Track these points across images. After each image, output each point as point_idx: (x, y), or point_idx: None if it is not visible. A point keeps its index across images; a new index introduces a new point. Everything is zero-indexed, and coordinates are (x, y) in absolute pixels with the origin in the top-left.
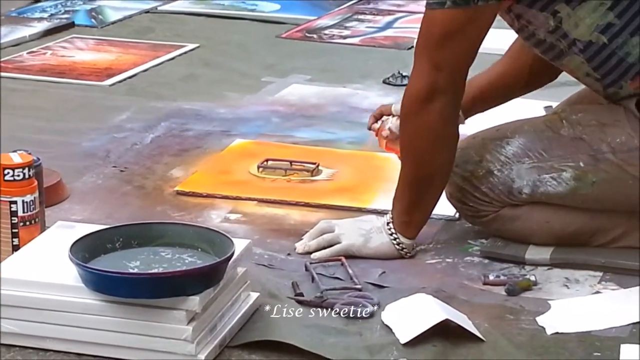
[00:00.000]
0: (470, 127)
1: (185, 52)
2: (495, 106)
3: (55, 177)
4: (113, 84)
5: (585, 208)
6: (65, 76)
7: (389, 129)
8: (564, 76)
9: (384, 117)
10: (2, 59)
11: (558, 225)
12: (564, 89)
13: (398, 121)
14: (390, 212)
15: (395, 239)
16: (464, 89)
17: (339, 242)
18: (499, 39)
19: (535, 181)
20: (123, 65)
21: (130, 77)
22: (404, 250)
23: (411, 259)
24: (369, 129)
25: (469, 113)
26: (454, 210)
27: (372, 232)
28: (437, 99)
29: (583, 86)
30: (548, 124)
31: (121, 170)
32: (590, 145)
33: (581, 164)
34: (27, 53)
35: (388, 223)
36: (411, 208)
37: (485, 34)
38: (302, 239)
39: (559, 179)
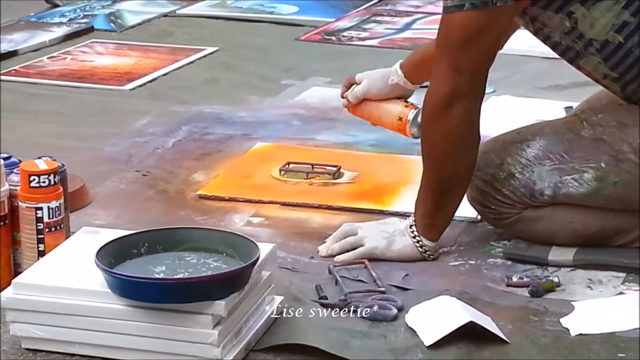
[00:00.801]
0: (492, 129)
1: (204, 56)
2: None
3: (79, 182)
4: (133, 89)
5: (607, 208)
6: (85, 81)
7: (346, 97)
8: (585, 77)
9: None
10: (23, 64)
11: (581, 226)
12: (585, 89)
13: (353, 91)
14: (412, 215)
15: (418, 241)
16: (485, 91)
17: (362, 245)
18: (517, 40)
19: (556, 183)
20: (143, 69)
21: (150, 82)
22: (427, 252)
23: (434, 261)
24: (342, 97)
25: (417, 81)
26: (476, 212)
27: (395, 235)
28: (459, 103)
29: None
30: (568, 126)
31: (143, 175)
32: (611, 146)
33: (602, 165)
34: (48, 58)
35: (411, 226)
36: (434, 211)
37: (503, 35)
38: (325, 242)
39: (580, 180)
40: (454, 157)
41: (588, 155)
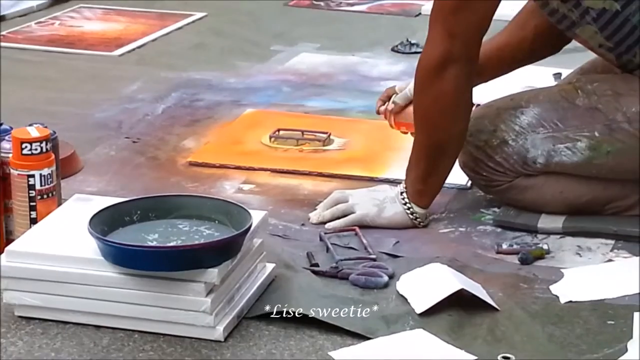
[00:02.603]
0: (483, 95)
1: (193, 21)
2: (498, 76)
3: (69, 149)
4: (122, 54)
5: (599, 178)
6: (74, 46)
7: (393, 101)
8: (574, 42)
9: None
10: (10, 30)
11: (572, 195)
12: (573, 55)
13: (401, 93)
14: (403, 182)
15: (409, 208)
16: (479, 57)
17: (353, 212)
18: (507, 6)
19: (550, 151)
20: (132, 35)
21: (139, 47)
22: (418, 219)
23: (424, 228)
24: (378, 112)
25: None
26: (466, 179)
27: (386, 202)
28: (452, 67)
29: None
30: (563, 94)
31: (134, 142)
32: (605, 115)
33: (596, 134)
34: (36, 23)
35: (402, 192)
36: (425, 176)
37: (499, 2)
38: (316, 209)
39: (573, 148)
40: (446, 122)
41: (582, 124)
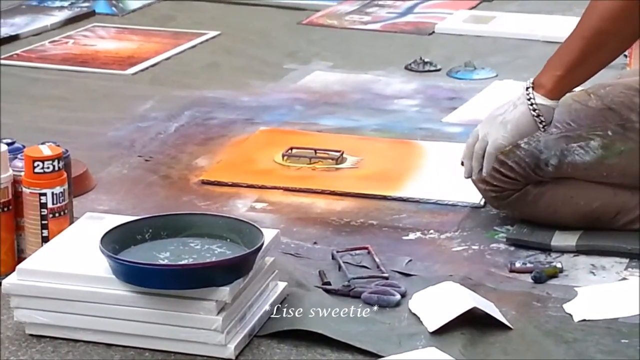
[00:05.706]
0: None
1: (206, 40)
2: None
3: (81, 167)
4: (136, 73)
5: (609, 183)
6: (87, 65)
7: None
8: None
9: None
10: (24, 49)
11: (582, 201)
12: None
13: None
14: (531, 79)
15: (532, 104)
16: None
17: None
18: (518, 24)
19: (563, 150)
20: (145, 53)
21: (152, 66)
22: (540, 116)
23: (437, 247)
24: None
25: None
26: (480, 197)
27: (507, 112)
28: None
29: (613, 72)
30: (575, 98)
31: (146, 160)
32: (619, 115)
33: (609, 133)
34: (49, 42)
35: (527, 88)
36: (575, 63)
37: None
38: (462, 164)
39: (586, 147)
40: (624, 15)
41: (595, 123)
